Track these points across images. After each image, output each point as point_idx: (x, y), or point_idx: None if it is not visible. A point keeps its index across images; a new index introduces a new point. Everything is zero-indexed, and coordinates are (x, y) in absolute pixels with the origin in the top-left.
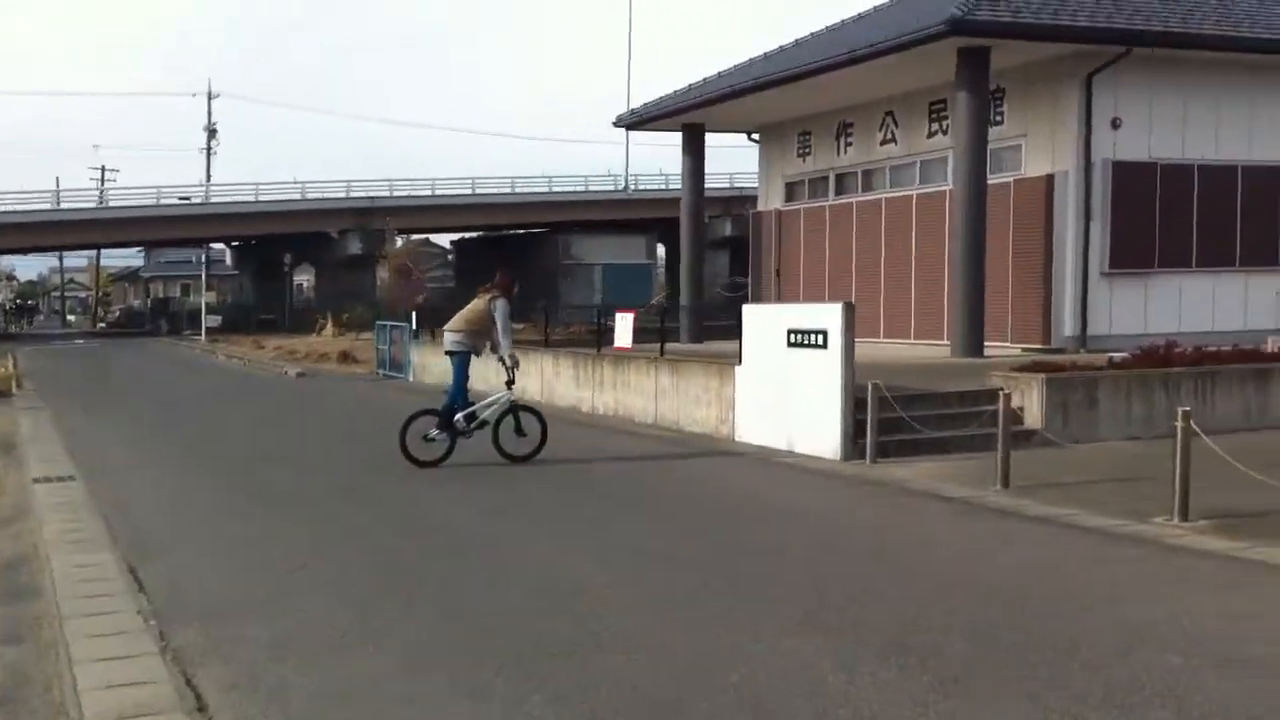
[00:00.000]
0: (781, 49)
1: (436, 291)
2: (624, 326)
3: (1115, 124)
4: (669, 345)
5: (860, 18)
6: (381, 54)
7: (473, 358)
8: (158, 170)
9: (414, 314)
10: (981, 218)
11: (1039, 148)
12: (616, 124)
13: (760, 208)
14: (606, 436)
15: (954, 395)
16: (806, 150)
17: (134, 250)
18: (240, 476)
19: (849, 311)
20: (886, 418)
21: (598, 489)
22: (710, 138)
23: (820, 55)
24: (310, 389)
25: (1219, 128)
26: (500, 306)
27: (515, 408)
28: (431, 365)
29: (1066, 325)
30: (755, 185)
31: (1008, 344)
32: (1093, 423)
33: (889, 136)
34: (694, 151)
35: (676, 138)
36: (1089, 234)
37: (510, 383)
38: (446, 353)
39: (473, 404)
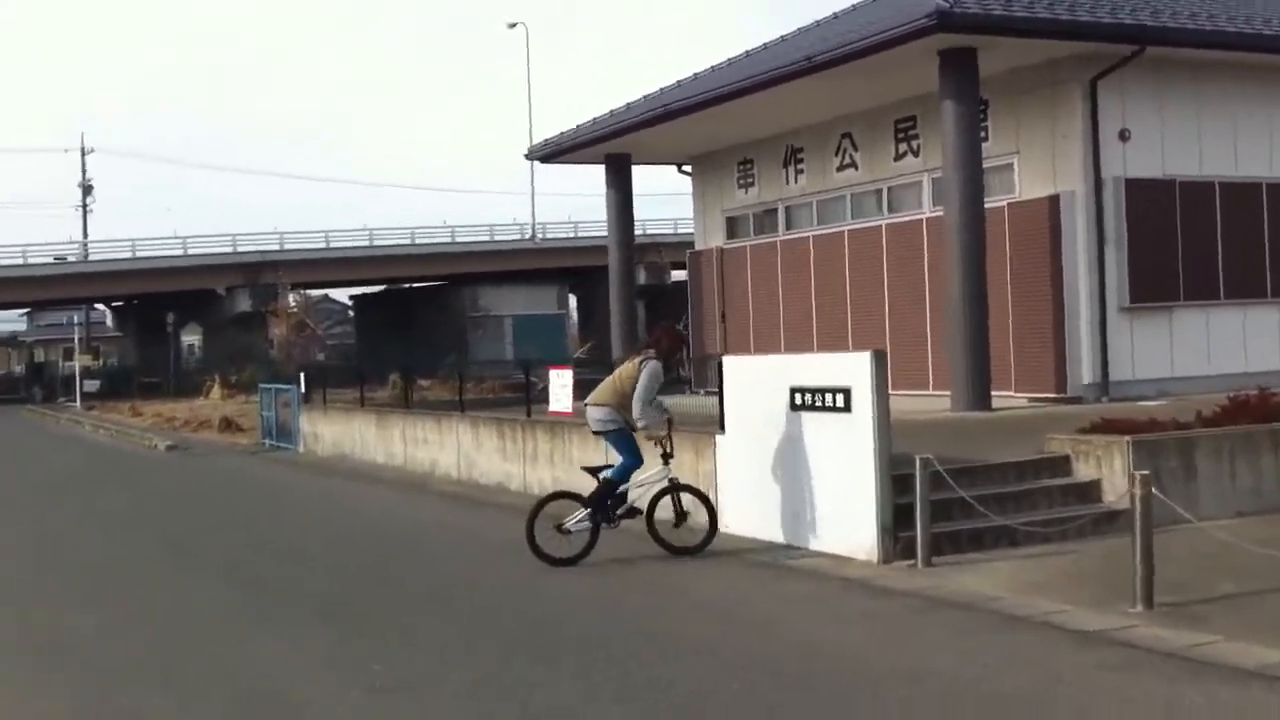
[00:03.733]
0: (714, 69)
1: (336, 349)
2: (561, 386)
3: (1124, 136)
4: None
5: (802, 31)
6: (272, 106)
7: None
8: (34, 231)
9: (302, 375)
10: (981, 247)
11: (1036, 166)
12: (529, 156)
13: (699, 246)
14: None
15: (1010, 467)
16: (749, 180)
17: (18, 314)
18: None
19: (880, 363)
20: (936, 500)
21: (552, 628)
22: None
23: (770, 67)
24: (177, 468)
25: (1237, 140)
26: (649, 370)
27: (675, 487)
28: (325, 434)
29: (1084, 371)
30: (669, 232)
31: (1012, 393)
32: (1192, 497)
33: (848, 161)
34: (619, 185)
35: (585, 183)
36: (1104, 263)
37: (668, 456)
38: (594, 433)
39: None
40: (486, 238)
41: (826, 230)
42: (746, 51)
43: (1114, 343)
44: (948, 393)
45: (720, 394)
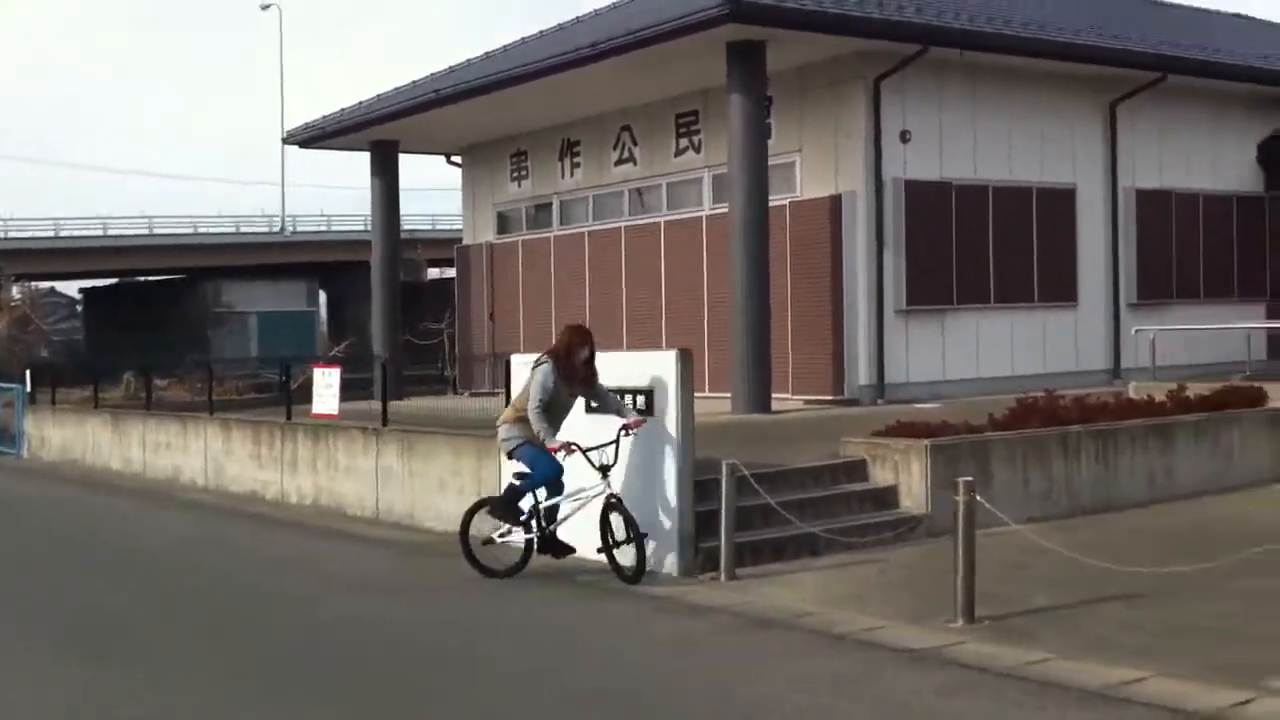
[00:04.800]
0: (489, 55)
1: (63, 345)
2: (327, 387)
3: (905, 137)
4: (360, 405)
5: (582, 20)
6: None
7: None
8: None
9: (28, 373)
10: (765, 246)
11: (818, 165)
12: (287, 140)
13: (468, 241)
14: (313, 541)
15: (807, 472)
16: (522, 173)
17: None
18: None
19: (686, 363)
20: (740, 508)
21: (333, 656)
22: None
23: (552, 53)
24: None
25: (1011, 144)
26: (537, 374)
27: (610, 506)
28: (53, 438)
29: (861, 373)
30: (427, 228)
31: (789, 395)
32: (987, 502)
33: (626, 155)
34: (385, 174)
35: (342, 175)
36: (882, 265)
37: (606, 468)
38: (507, 455)
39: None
40: (231, 229)
41: (603, 226)
42: (523, 38)
43: (890, 345)
44: (726, 394)
45: (507, 394)
